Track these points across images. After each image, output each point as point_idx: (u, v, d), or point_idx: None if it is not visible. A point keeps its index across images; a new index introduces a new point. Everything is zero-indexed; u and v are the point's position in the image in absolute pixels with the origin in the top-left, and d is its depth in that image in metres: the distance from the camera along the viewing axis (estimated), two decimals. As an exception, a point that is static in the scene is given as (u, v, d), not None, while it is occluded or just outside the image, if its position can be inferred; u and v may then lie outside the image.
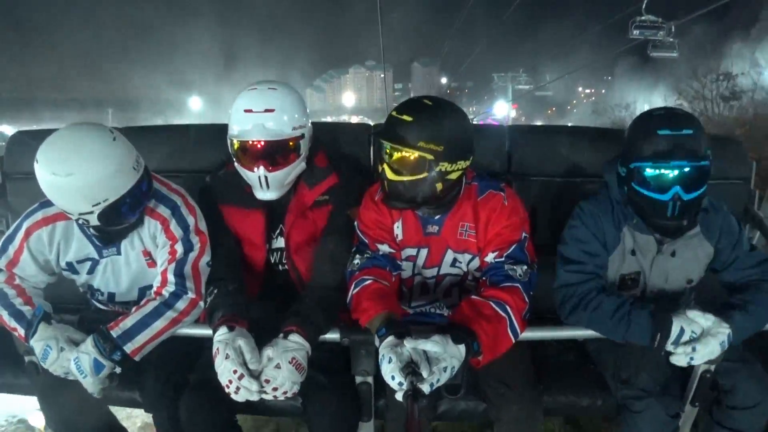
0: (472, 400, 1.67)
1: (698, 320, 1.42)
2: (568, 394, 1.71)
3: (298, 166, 1.68)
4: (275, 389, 1.39)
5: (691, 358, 1.42)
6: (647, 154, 1.48)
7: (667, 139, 1.46)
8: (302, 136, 1.65)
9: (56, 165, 1.39)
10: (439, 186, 1.53)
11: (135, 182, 1.48)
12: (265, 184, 1.63)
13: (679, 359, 1.43)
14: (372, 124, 2.25)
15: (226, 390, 1.39)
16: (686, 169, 1.46)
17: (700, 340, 1.41)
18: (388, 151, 1.52)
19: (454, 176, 1.54)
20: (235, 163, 1.67)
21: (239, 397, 1.38)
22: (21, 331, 1.53)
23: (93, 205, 1.44)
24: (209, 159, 2.04)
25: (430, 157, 1.48)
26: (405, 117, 1.49)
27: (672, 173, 1.47)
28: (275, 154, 1.61)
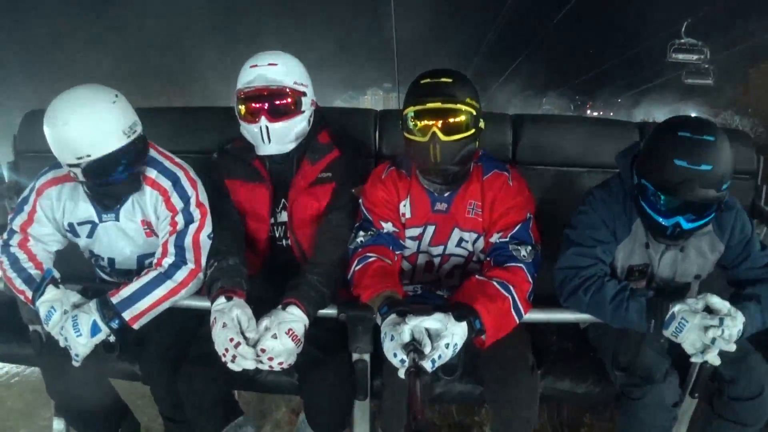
0: (469, 382, 1.66)
1: (717, 305, 1.39)
2: (566, 380, 1.70)
3: (299, 125, 1.71)
4: (271, 359, 1.40)
5: (714, 341, 1.36)
6: (658, 179, 1.42)
7: (681, 171, 1.37)
8: (303, 93, 1.70)
9: (54, 114, 1.47)
10: (476, 146, 1.60)
11: (121, 146, 1.51)
12: (267, 136, 1.67)
13: (711, 356, 1.39)
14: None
15: (223, 359, 1.40)
16: (693, 205, 1.42)
17: (720, 328, 1.36)
18: (430, 114, 1.53)
19: (477, 140, 1.60)
20: (240, 124, 1.71)
21: (235, 366, 1.39)
22: (28, 294, 1.56)
23: (77, 158, 1.49)
24: (216, 141, 2.06)
25: (474, 112, 1.54)
26: (444, 79, 1.54)
27: (678, 204, 1.43)
28: (275, 102, 1.66)
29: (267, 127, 1.66)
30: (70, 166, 1.52)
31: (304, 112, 1.71)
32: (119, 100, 1.54)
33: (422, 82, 1.56)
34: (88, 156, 1.49)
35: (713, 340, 1.37)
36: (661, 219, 1.48)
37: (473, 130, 1.55)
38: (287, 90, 1.67)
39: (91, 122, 1.47)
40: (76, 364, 1.51)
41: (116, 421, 1.81)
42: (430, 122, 1.52)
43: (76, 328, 1.47)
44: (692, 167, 1.36)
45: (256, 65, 1.67)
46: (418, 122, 1.53)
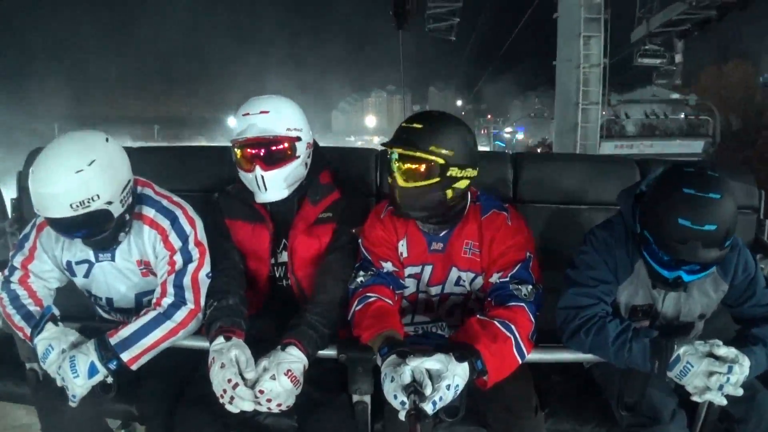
0: (472, 424, 1.62)
1: (723, 353, 1.38)
2: (571, 420, 1.66)
3: (296, 170, 1.72)
4: (269, 400, 1.38)
5: (721, 387, 1.37)
6: (662, 236, 1.40)
7: (685, 231, 1.35)
8: (298, 138, 1.71)
9: (35, 161, 1.49)
10: (449, 193, 1.56)
11: (67, 216, 1.47)
12: (263, 184, 1.68)
13: (713, 395, 1.38)
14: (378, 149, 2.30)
15: (221, 400, 1.38)
16: (694, 266, 1.42)
17: (730, 372, 1.36)
18: (398, 158, 1.55)
19: (462, 185, 1.57)
20: (238, 171, 1.73)
21: (233, 408, 1.37)
22: (27, 330, 1.55)
23: (36, 210, 1.50)
24: (215, 180, 2.09)
25: (440, 161, 1.52)
26: (415, 125, 1.55)
27: (679, 262, 1.43)
28: (269, 152, 1.67)
29: (262, 176, 1.67)
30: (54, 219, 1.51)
31: (299, 157, 1.71)
32: (89, 169, 1.47)
33: (401, 124, 1.59)
34: (38, 211, 1.49)
35: (720, 387, 1.36)
36: (662, 271, 1.47)
37: (437, 179, 1.53)
38: (280, 138, 1.68)
39: (44, 183, 1.45)
40: (72, 404, 1.48)
41: None
42: (395, 165, 1.56)
43: (73, 370, 1.45)
44: (696, 227, 1.34)
45: (248, 113, 1.68)
46: (389, 164, 1.57)
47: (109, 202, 1.52)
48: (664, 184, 1.44)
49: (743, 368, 1.37)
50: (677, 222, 1.35)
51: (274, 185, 1.69)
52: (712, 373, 1.36)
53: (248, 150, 1.68)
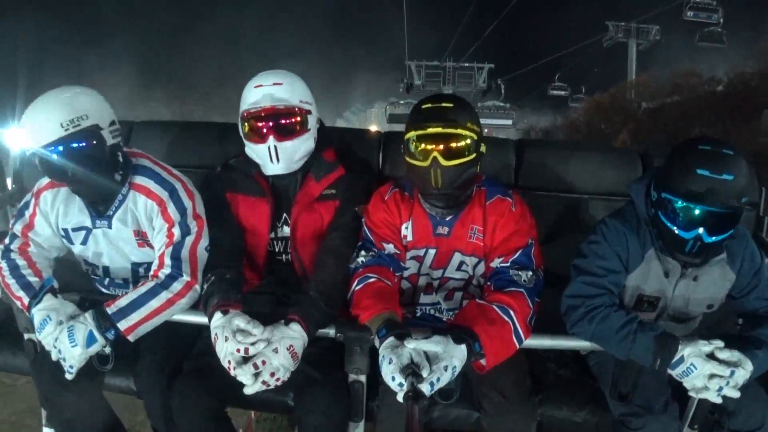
0: (466, 408, 1.64)
1: (722, 355, 1.40)
2: (564, 408, 1.68)
3: (306, 143, 1.72)
4: (272, 374, 1.38)
5: (720, 389, 1.39)
6: (681, 189, 1.43)
7: (704, 180, 1.39)
8: (309, 111, 1.72)
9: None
10: (477, 170, 1.60)
11: (58, 137, 1.51)
12: (275, 155, 1.67)
13: (710, 395, 1.40)
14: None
15: (231, 372, 1.39)
16: (714, 215, 1.42)
17: (732, 376, 1.38)
18: (427, 139, 1.54)
19: (479, 164, 1.60)
20: (246, 144, 1.72)
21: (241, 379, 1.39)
22: (25, 300, 1.56)
23: (29, 150, 1.54)
24: (216, 156, 2.08)
25: (475, 137, 1.55)
26: (445, 104, 1.56)
27: (699, 215, 1.43)
28: (284, 122, 1.67)
29: (275, 147, 1.66)
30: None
31: (310, 130, 1.72)
32: (76, 94, 1.56)
33: (423, 107, 1.57)
34: (32, 147, 1.52)
35: (720, 389, 1.38)
36: (682, 232, 1.47)
37: (474, 155, 1.55)
38: (295, 109, 1.68)
39: (34, 113, 1.51)
40: (69, 376, 1.49)
41: None
42: (431, 147, 1.53)
43: (71, 339, 1.45)
44: (715, 176, 1.39)
45: (260, 85, 1.68)
46: (419, 146, 1.54)
47: (98, 126, 1.56)
48: (680, 148, 1.49)
49: (745, 372, 1.39)
50: (696, 173, 1.40)
51: (286, 156, 1.69)
52: (714, 376, 1.38)
53: (260, 123, 1.67)
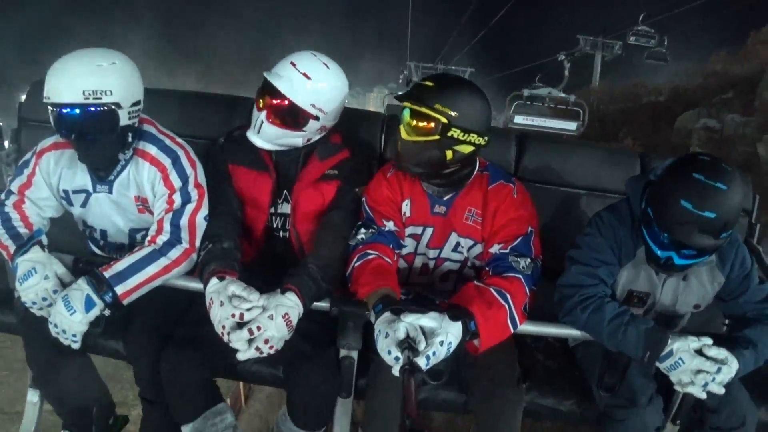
0: (454, 390, 1.66)
1: (710, 352, 1.42)
2: (551, 397, 1.70)
3: (291, 137, 1.70)
4: (266, 341, 1.38)
5: (705, 384, 1.41)
6: (661, 214, 1.44)
7: (685, 213, 1.38)
8: (316, 117, 1.69)
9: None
10: (448, 154, 1.57)
11: (73, 102, 1.49)
12: (258, 126, 1.68)
13: (695, 390, 1.42)
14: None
15: (224, 339, 1.39)
16: (686, 246, 1.44)
17: (718, 372, 1.40)
18: (405, 112, 1.57)
19: (464, 149, 1.58)
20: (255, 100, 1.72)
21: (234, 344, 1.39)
22: (11, 249, 1.54)
23: (45, 97, 1.50)
24: (221, 128, 2.06)
25: (443, 120, 1.53)
26: (427, 83, 1.58)
27: (671, 243, 1.45)
28: (281, 109, 1.66)
29: (262, 121, 1.67)
30: (55, 105, 1.51)
31: (305, 131, 1.70)
32: (108, 67, 1.52)
33: (416, 82, 1.62)
34: (47, 98, 1.50)
35: (705, 384, 1.40)
36: (656, 248, 1.50)
37: (437, 137, 1.55)
38: (298, 109, 1.66)
39: (62, 68, 1.49)
40: (76, 346, 1.48)
41: (92, 400, 1.74)
42: (403, 119, 1.58)
43: (69, 307, 1.44)
44: (695, 211, 1.37)
45: (294, 64, 1.66)
46: (399, 116, 1.60)
47: (119, 105, 1.53)
48: (676, 167, 1.47)
49: (731, 370, 1.41)
50: (679, 203, 1.38)
51: (266, 136, 1.69)
52: (700, 372, 1.40)
53: (267, 94, 1.67)
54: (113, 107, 1.52)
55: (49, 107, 1.51)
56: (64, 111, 1.50)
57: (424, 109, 1.53)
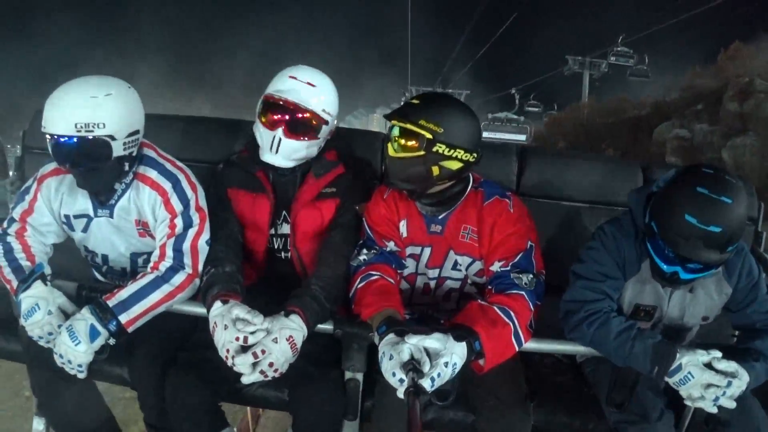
0: (461, 410, 1.63)
1: (719, 365, 1.40)
2: (560, 414, 1.67)
3: (309, 148, 1.72)
4: (271, 365, 1.38)
5: (716, 399, 1.39)
6: (666, 228, 1.41)
7: (689, 227, 1.35)
8: (327, 122, 1.72)
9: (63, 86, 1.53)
10: (434, 170, 1.56)
11: (67, 135, 1.50)
12: (277, 147, 1.68)
13: (706, 404, 1.40)
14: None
15: (228, 362, 1.38)
16: (691, 261, 1.42)
17: (728, 386, 1.38)
18: (394, 130, 1.59)
19: (451, 165, 1.57)
20: (256, 124, 1.72)
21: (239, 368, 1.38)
22: (14, 284, 1.54)
23: (43, 127, 1.51)
24: (222, 152, 2.08)
25: (428, 135, 1.53)
26: (414, 101, 1.60)
27: (676, 258, 1.43)
28: (297, 121, 1.68)
29: (280, 140, 1.67)
30: (55, 135, 1.52)
31: (319, 138, 1.72)
32: (104, 99, 1.52)
33: (405, 101, 1.64)
34: (44, 128, 1.51)
35: (716, 399, 1.38)
36: (661, 263, 1.48)
37: (422, 152, 1.55)
38: (315, 115, 1.69)
39: (57, 100, 1.50)
40: (82, 376, 1.48)
41: (97, 426, 1.74)
42: (392, 137, 1.60)
43: (73, 338, 1.44)
44: (701, 226, 1.35)
45: (295, 77, 1.69)
46: (388, 134, 1.62)
47: (112, 137, 1.53)
48: (680, 180, 1.44)
49: (741, 383, 1.39)
50: (684, 217, 1.36)
51: (286, 153, 1.69)
52: (711, 386, 1.38)
53: (277, 112, 1.68)
54: (105, 138, 1.53)
55: (47, 136, 1.53)
56: (60, 140, 1.51)
57: (408, 126, 1.54)
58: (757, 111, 9.03)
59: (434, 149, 1.54)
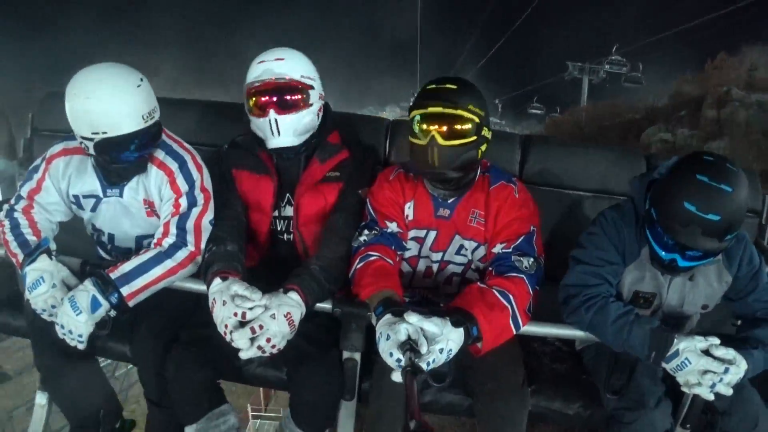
0: (458, 393, 1.64)
1: (717, 352, 1.39)
2: (557, 400, 1.68)
3: (307, 118, 1.72)
4: (269, 340, 1.38)
5: (713, 385, 1.39)
6: (665, 216, 1.41)
7: (688, 215, 1.35)
8: (311, 86, 1.72)
9: (78, 86, 1.51)
10: (479, 154, 1.59)
11: (137, 130, 1.55)
12: (276, 128, 1.68)
13: (702, 391, 1.40)
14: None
15: (226, 338, 1.39)
16: (690, 249, 1.41)
17: (726, 373, 1.38)
18: (430, 118, 1.55)
19: (484, 147, 1.60)
20: (251, 120, 1.73)
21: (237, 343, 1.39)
22: (20, 257, 1.56)
23: (92, 133, 1.52)
24: (228, 136, 2.09)
25: (477, 120, 1.55)
26: (449, 85, 1.56)
27: (674, 246, 1.43)
28: (283, 95, 1.68)
29: (276, 120, 1.67)
30: (84, 138, 1.54)
31: (312, 105, 1.72)
32: (144, 84, 1.58)
33: (428, 87, 1.59)
34: (104, 133, 1.51)
35: (712, 385, 1.37)
36: (660, 250, 1.47)
37: (474, 138, 1.55)
38: (296, 83, 1.69)
39: (113, 101, 1.50)
40: (82, 347, 1.50)
41: (99, 403, 1.76)
42: (432, 126, 1.54)
43: (75, 308, 1.46)
44: (699, 214, 1.34)
45: (263, 61, 1.70)
46: (421, 126, 1.56)
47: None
48: (681, 167, 1.43)
49: (739, 370, 1.38)
50: (683, 205, 1.35)
51: (286, 129, 1.69)
52: (707, 372, 1.38)
53: (262, 97, 1.68)
54: (158, 121, 1.63)
55: (92, 140, 1.54)
56: (116, 137, 1.54)
57: (460, 112, 1.53)
58: (731, 117, 9.67)
59: (482, 133, 1.57)
